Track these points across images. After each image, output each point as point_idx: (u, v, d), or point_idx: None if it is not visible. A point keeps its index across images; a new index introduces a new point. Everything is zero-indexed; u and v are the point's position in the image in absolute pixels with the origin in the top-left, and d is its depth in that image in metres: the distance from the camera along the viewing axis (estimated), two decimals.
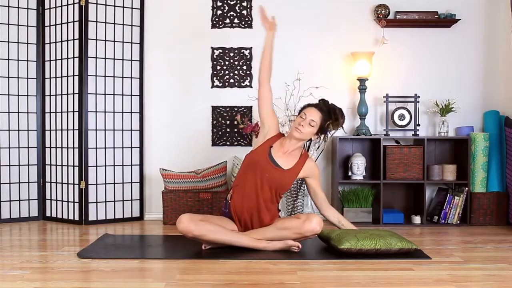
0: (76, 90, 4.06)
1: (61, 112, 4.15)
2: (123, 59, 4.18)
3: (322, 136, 3.33)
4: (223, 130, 4.32)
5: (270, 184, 3.20)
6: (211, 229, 3.07)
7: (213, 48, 4.32)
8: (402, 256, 2.98)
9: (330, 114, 3.24)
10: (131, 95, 4.22)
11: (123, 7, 4.17)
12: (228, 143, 4.32)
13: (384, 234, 3.05)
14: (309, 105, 3.29)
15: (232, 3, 4.31)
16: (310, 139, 3.33)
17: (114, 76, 4.15)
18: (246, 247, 3.11)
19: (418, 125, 4.15)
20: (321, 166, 4.30)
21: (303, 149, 3.37)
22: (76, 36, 4.05)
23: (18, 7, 4.14)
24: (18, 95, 4.16)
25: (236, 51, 4.32)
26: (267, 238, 3.13)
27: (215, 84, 4.32)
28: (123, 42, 4.17)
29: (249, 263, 2.85)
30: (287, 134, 3.37)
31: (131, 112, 4.23)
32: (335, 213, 3.40)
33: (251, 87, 4.31)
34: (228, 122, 4.32)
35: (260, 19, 3.38)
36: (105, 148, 4.12)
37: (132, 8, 4.22)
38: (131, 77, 4.22)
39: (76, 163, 4.06)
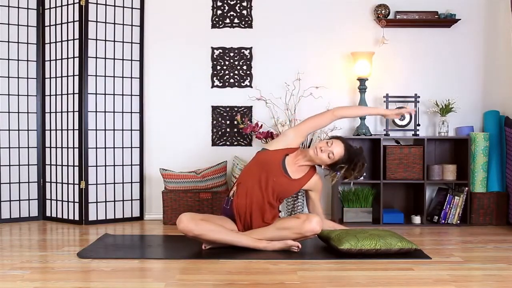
0: (76, 90, 4.06)
1: (61, 112, 4.15)
2: (123, 59, 4.18)
3: (330, 172, 3.29)
4: (223, 130, 4.32)
5: (274, 188, 3.22)
6: (211, 229, 3.07)
7: (213, 48, 4.32)
8: (402, 256, 2.98)
9: (351, 161, 3.22)
10: (131, 95, 4.22)
11: (123, 7, 4.17)
12: (228, 143, 4.32)
13: (384, 234, 3.05)
14: (341, 139, 3.28)
15: (232, 3, 4.31)
16: (320, 166, 3.31)
17: (114, 76, 4.15)
18: (246, 247, 3.11)
19: (418, 125, 4.15)
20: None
21: (312, 165, 3.36)
22: (76, 36, 4.05)
23: (18, 7, 4.14)
24: (18, 95, 4.16)
25: (236, 51, 4.32)
26: (267, 238, 3.14)
27: (215, 84, 4.32)
28: (123, 42, 4.17)
29: (249, 263, 2.85)
30: (304, 149, 3.39)
31: (131, 112, 4.23)
32: (330, 223, 3.49)
33: (251, 87, 4.31)
34: (228, 122, 4.32)
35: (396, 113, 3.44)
36: (105, 148, 4.12)
37: (132, 8, 4.22)
38: (131, 77, 4.22)
39: (76, 163, 4.06)
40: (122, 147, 4.19)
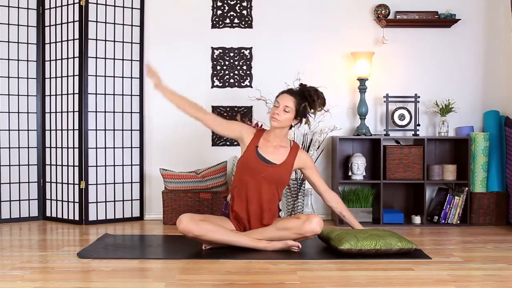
0: (76, 90, 4.06)
1: (61, 112, 4.15)
2: (123, 59, 4.18)
3: (304, 120, 3.28)
4: None
5: (268, 182, 3.20)
6: (211, 229, 3.07)
7: (213, 48, 4.32)
8: (402, 256, 2.98)
9: (305, 96, 3.22)
10: (131, 95, 4.22)
11: (123, 7, 4.17)
12: (228, 143, 4.32)
13: (384, 234, 3.05)
14: (282, 92, 3.27)
15: (232, 3, 4.31)
16: (291, 126, 3.28)
17: (114, 76, 4.15)
18: (246, 247, 3.11)
19: (418, 125, 4.15)
20: (321, 166, 4.30)
21: (291, 141, 3.36)
22: (76, 36, 4.05)
23: (18, 7, 4.14)
24: (18, 95, 4.16)
25: (236, 51, 4.32)
26: (266, 238, 3.13)
27: (215, 84, 4.32)
28: (123, 42, 4.17)
29: (249, 263, 2.85)
30: (266, 129, 3.37)
31: (131, 112, 4.23)
32: (337, 200, 3.43)
33: (251, 87, 4.31)
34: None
35: (147, 75, 3.41)
36: (105, 148, 4.12)
37: (132, 8, 4.22)
38: (131, 77, 4.22)
39: (76, 163, 4.06)
40: (122, 147, 4.19)
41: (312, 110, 3.27)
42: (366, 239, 2.96)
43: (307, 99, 3.22)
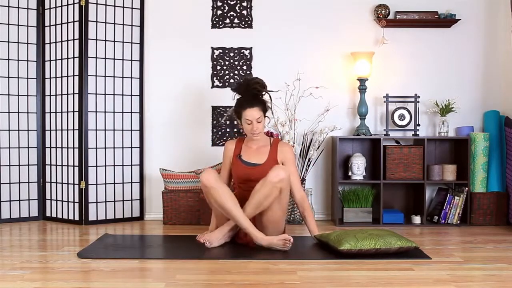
0: (76, 90, 4.06)
1: (61, 112, 4.15)
2: (123, 59, 4.18)
3: (269, 107, 3.41)
4: (223, 130, 4.32)
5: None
6: (227, 192, 3.12)
7: (213, 48, 4.32)
8: (402, 256, 2.97)
9: (256, 96, 3.33)
10: (131, 95, 4.22)
11: (123, 7, 4.17)
12: None
13: (383, 234, 3.05)
14: (242, 108, 3.31)
15: (232, 3, 4.31)
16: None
17: (114, 76, 4.15)
18: (244, 229, 3.13)
19: (418, 125, 4.15)
20: (321, 166, 4.31)
21: (270, 137, 3.48)
22: (76, 36, 4.05)
23: (18, 7, 4.14)
24: (18, 95, 4.16)
25: (236, 51, 4.32)
26: (250, 213, 3.14)
27: (215, 84, 4.32)
28: (123, 42, 4.17)
29: (249, 263, 2.85)
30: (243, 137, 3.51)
31: (131, 112, 4.23)
32: (304, 201, 3.36)
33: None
34: (228, 122, 4.31)
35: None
36: (105, 148, 4.12)
37: (132, 8, 4.22)
38: (131, 77, 4.22)
39: (76, 163, 4.06)
40: (122, 147, 4.19)
41: (266, 94, 3.41)
42: (365, 239, 2.96)
43: (258, 96, 3.35)
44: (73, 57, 4.07)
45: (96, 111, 4.08)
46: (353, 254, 2.95)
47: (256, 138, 3.34)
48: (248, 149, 3.40)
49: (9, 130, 4.14)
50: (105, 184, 4.12)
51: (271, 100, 3.45)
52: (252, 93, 3.33)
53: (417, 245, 3.06)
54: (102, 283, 2.47)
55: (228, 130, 4.32)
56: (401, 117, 4.17)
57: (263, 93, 3.37)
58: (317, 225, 3.42)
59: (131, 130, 4.23)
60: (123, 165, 4.19)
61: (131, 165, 4.23)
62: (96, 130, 4.08)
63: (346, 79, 4.31)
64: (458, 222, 4.04)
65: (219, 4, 4.31)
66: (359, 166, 4.08)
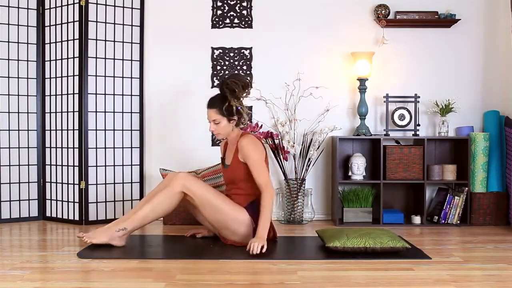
0: (76, 90, 4.06)
1: (61, 112, 4.15)
2: (123, 59, 4.18)
3: (237, 117, 3.24)
4: None
5: (230, 184, 3.33)
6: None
7: (213, 48, 4.32)
8: (402, 256, 2.98)
9: (224, 96, 3.20)
10: (131, 95, 4.22)
11: (123, 7, 4.17)
12: None
13: (376, 233, 3.07)
14: (207, 107, 3.26)
15: (232, 3, 4.31)
16: (237, 124, 3.26)
17: (114, 76, 4.15)
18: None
19: (418, 125, 4.15)
20: (321, 166, 4.31)
21: (241, 134, 3.31)
22: (76, 36, 4.05)
23: (18, 7, 4.14)
24: (18, 95, 4.16)
25: (236, 51, 4.32)
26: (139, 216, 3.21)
27: (215, 84, 4.32)
28: (123, 42, 4.17)
29: (249, 263, 2.85)
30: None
31: (131, 112, 4.23)
32: (264, 200, 3.07)
33: (251, 87, 4.30)
34: None
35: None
36: (105, 148, 4.12)
37: (132, 8, 4.22)
38: (131, 77, 4.22)
39: (76, 163, 4.06)
40: (122, 147, 4.19)
41: (239, 101, 3.22)
42: (355, 238, 3.00)
43: (227, 98, 3.20)
44: (73, 57, 4.07)
45: (96, 111, 4.08)
46: (340, 251, 2.98)
47: (220, 138, 3.31)
48: (228, 150, 3.40)
49: (9, 130, 4.14)
50: (105, 184, 4.12)
51: (242, 109, 3.24)
52: (221, 93, 3.25)
53: (409, 246, 3.05)
54: (102, 283, 2.47)
55: None
56: (401, 117, 4.17)
57: (232, 95, 3.19)
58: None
59: (131, 130, 4.23)
60: (123, 165, 4.19)
61: (131, 165, 4.23)
62: (96, 130, 4.08)
63: (346, 79, 4.31)
64: (458, 222, 4.04)
65: (219, 4, 4.31)
66: (359, 166, 4.08)
